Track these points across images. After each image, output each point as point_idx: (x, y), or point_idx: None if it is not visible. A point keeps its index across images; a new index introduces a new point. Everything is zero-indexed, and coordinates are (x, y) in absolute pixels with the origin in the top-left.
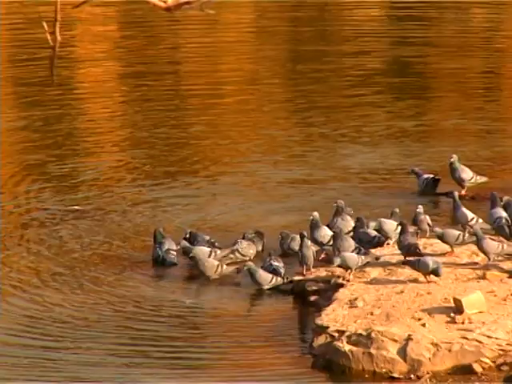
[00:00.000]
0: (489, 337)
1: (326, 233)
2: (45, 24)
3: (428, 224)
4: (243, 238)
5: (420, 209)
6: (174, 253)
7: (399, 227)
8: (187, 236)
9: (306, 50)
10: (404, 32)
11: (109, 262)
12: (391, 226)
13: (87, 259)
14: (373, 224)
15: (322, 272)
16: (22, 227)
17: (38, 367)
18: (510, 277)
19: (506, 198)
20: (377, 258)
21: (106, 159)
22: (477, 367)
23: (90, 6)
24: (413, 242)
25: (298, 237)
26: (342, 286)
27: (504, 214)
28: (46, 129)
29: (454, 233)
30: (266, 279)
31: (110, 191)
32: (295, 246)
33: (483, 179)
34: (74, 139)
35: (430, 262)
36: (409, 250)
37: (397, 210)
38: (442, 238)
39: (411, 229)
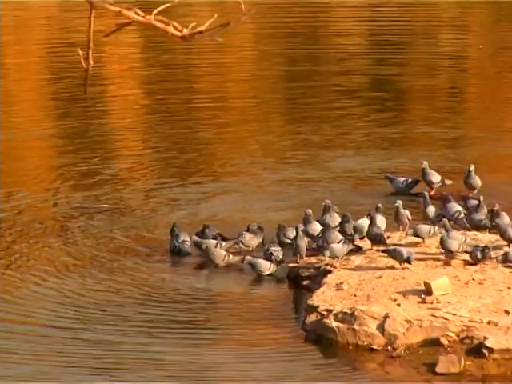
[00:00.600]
0: (453, 314)
1: (316, 227)
2: (80, 51)
3: (408, 218)
4: (247, 231)
5: (399, 204)
6: (188, 244)
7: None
8: (200, 230)
9: (298, 69)
10: (382, 54)
11: (131, 252)
12: (365, 221)
13: (111, 250)
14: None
15: (313, 260)
16: (56, 221)
17: (68, 346)
18: (470, 264)
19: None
20: (359, 248)
21: (127, 162)
22: (443, 340)
23: (117, 33)
24: (379, 233)
25: (292, 228)
26: (330, 272)
27: (460, 208)
28: (76, 136)
29: (426, 227)
30: (265, 267)
31: (132, 190)
32: (290, 234)
33: (449, 182)
34: (100, 145)
35: (404, 251)
36: (375, 240)
37: (380, 205)
38: (416, 233)
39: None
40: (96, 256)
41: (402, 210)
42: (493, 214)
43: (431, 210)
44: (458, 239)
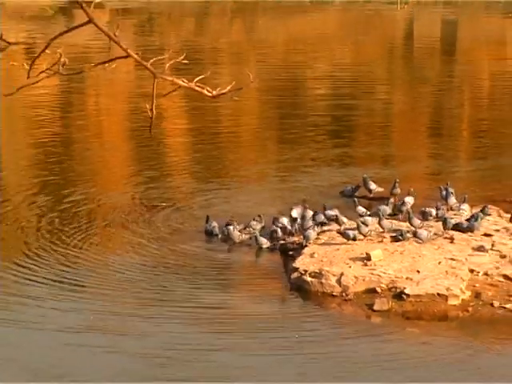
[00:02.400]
0: (384, 273)
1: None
2: (148, 105)
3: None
4: (254, 220)
5: (357, 203)
6: (217, 228)
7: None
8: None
9: (284, 112)
10: (340, 101)
11: (182, 233)
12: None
13: (156, 234)
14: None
15: (296, 239)
16: (134, 214)
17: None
18: (395, 241)
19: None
20: (323, 225)
21: (178, 174)
22: (378, 289)
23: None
24: (333, 214)
25: (282, 217)
26: (306, 246)
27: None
28: (145, 150)
29: (369, 219)
30: (264, 242)
31: (172, 188)
32: (283, 222)
33: (381, 189)
34: (156, 161)
35: (351, 233)
36: (331, 219)
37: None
38: (364, 223)
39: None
40: (157, 237)
41: (359, 208)
42: (400, 205)
43: (384, 209)
44: (370, 224)
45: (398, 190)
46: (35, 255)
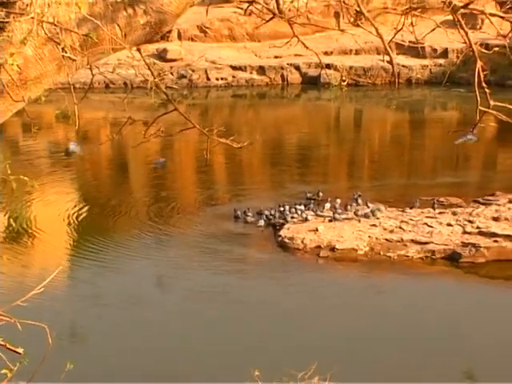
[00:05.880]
0: (325, 237)
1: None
2: (205, 153)
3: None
4: (259, 211)
5: (312, 203)
6: (240, 214)
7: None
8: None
9: (274, 153)
10: (302, 150)
11: (219, 218)
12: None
13: (209, 217)
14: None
15: (280, 220)
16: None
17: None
18: (329, 221)
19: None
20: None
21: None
22: (322, 245)
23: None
24: (300, 208)
25: (274, 209)
26: (285, 224)
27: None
28: (203, 173)
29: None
30: (262, 223)
31: (217, 192)
32: (275, 211)
33: (321, 195)
34: (209, 179)
35: (308, 217)
36: (299, 211)
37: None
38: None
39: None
40: (210, 219)
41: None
42: (334, 203)
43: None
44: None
45: (321, 196)
46: (147, 231)
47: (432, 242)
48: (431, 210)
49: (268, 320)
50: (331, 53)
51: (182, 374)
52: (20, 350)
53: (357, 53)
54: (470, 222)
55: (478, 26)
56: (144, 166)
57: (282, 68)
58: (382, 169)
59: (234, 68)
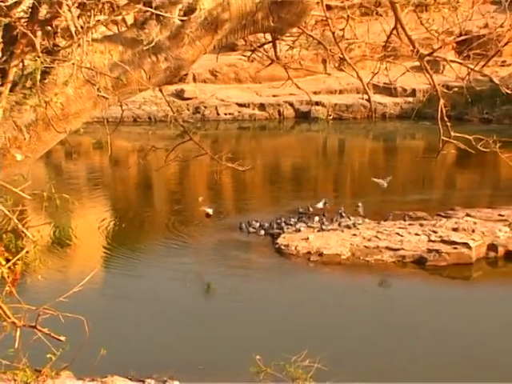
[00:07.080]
0: (314, 245)
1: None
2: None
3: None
4: (259, 222)
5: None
6: (244, 225)
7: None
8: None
9: (272, 173)
10: (295, 171)
11: (226, 228)
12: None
13: (217, 228)
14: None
15: (277, 231)
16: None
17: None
18: (318, 231)
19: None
20: (289, 225)
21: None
22: (312, 251)
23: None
24: (294, 220)
25: (273, 221)
26: (281, 234)
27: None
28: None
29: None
30: (262, 232)
31: (226, 206)
32: (273, 223)
33: (311, 209)
34: (217, 194)
35: (300, 228)
36: (292, 223)
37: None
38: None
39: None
40: (218, 229)
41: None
42: (322, 216)
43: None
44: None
45: (321, 206)
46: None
47: (403, 249)
48: (402, 222)
49: (267, 314)
50: (319, 92)
51: (202, 359)
52: (62, 338)
53: (340, 92)
54: (434, 232)
55: (441, 71)
56: (164, 186)
57: (279, 105)
58: (361, 187)
59: (239, 105)
